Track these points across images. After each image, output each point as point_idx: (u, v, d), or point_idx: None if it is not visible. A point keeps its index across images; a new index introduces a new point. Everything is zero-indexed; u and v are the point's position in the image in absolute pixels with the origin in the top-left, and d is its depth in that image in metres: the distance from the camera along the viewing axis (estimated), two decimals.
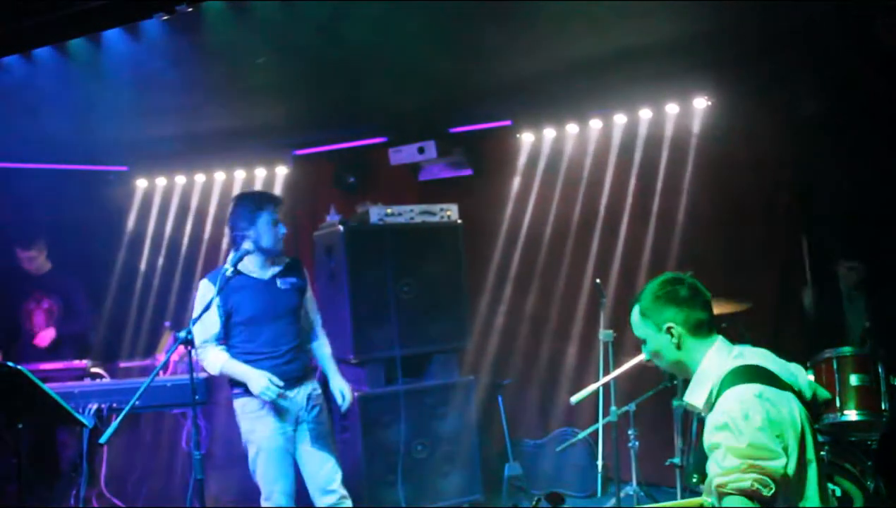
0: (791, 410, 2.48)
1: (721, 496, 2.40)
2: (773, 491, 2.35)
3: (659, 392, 5.07)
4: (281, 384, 4.15)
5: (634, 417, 5.04)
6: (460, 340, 5.81)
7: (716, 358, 2.65)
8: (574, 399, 4.66)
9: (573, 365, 6.41)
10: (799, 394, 2.61)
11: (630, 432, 5.07)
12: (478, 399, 5.93)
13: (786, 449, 2.40)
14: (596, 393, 4.80)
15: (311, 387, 4.40)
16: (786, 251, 5.69)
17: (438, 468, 5.56)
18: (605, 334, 5.09)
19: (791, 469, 2.41)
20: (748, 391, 2.47)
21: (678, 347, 2.69)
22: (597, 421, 5.16)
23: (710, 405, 2.58)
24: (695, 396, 2.68)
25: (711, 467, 2.46)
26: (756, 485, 2.34)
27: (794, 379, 2.67)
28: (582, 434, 5.56)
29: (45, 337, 5.96)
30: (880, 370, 4.34)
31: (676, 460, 4.82)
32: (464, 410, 5.69)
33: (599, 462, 5.80)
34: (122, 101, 5.46)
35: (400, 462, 5.39)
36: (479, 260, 6.56)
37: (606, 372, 4.91)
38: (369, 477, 5.33)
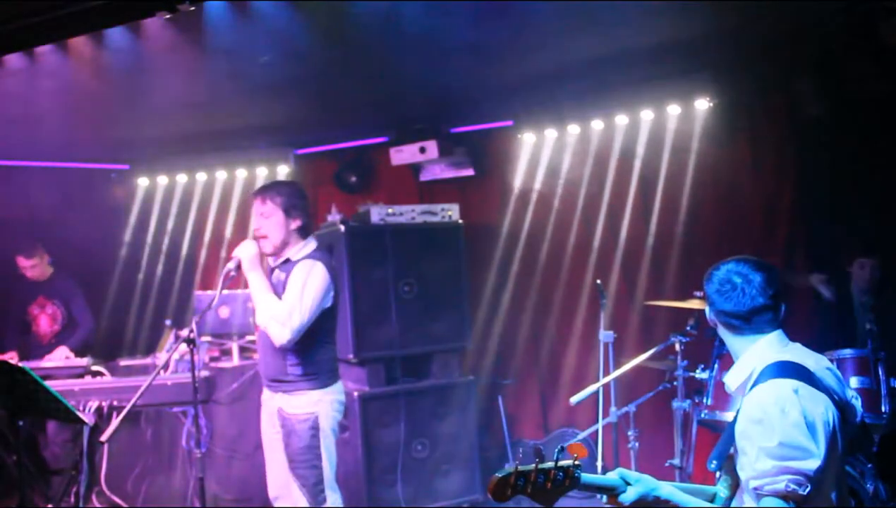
0: (825, 411, 2.47)
1: (759, 496, 2.42)
2: (808, 489, 2.35)
3: (659, 393, 5.07)
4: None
5: (634, 418, 5.04)
6: (461, 340, 5.82)
7: (766, 350, 2.64)
8: (574, 399, 4.66)
9: (573, 365, 6.40)
10: (840, 405, 2.58)
11: (630, 433, 5.07)
12: (478, 399, 5.94)
13: (818, 447, 2.40)
14: (596, 393, 4.79)
15: (285, 399, 4.09)
16: (787, 253, 5.68)
17: (438, 467, 5.57)
18: (605, 334, 5.08)
19: (821, 471, 2.40)
20: (786, 385, 2.46)
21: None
22: (596, 421, 5.14)
23: (745, 390, 2.60)
24: (732, 377, 2.70)
25: (744, 464, 2.47)
26: (791, 486, 2.35)
27: (843, 393, 2.65)
28: (582, 435, 5.57)
29: (59, 354, 5.94)
30: (881, 372, 4.34)
31: (676, 461, 4.82)
32: (464, 410, 5.70)
33: (599, 463, 5.78)
34: (124, 100, 5.46)
35: (400, 462, 5.40)
36: (480, 260, 6.56)
37: (606, 373, 4.91)
38: (369, 477, 5.34)
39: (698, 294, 4.76)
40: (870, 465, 4.26)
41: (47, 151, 6.72)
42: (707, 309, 2.76)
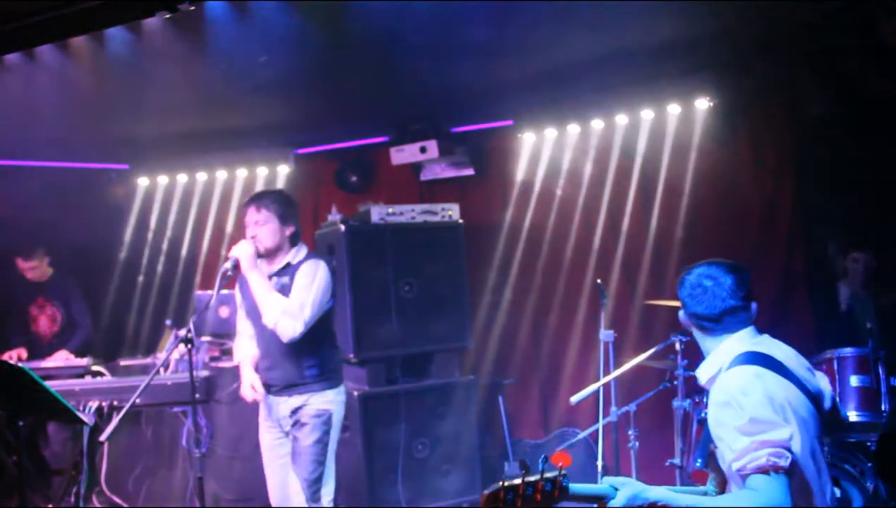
0: (790, 398, 2.54)
1: (743, 477, 2.45)
2: (790, 459, 2.41)
3: (659, 392, 5.07)
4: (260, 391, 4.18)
5: (634, 417, 5.04)
6: (461, 340, 5.81)
7: (735, 344, 2.71)
8: (574, 399, 4.66)
9: (573, 364, 6.40)
10: (813, 398, 2.64)
11: (630, 432, 5.07)
12: (478, 398, 5.94)
13: (787, 422, 2.46)
14: (596, 393, 4.80)
15: (301, 400, 4.18)
16: (787, 251, 5.68)
17: (438, 467, 5.57)
18: (605, 334, 5.08)
19: (796, 446, 2.46)
20: (749, 370, 2.55)
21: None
22: (597, 421, 5.14)
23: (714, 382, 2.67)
24: (703, 371, 2.77)
25: (724, 451, 2.52)
26: (772, 459, 2.39)
27: (814, 383, 2.71)
28: (582, 435, 5.56)
29: (60, 356, 5.94)
30: (881, 371, 4.34)
31: (676, 460, 4.82)
32: (464, 410, 5.69)
33: (599, 463, 5.77)
34: (124, 99, 5.46)
35: (400, 462, 5.40)
36: (480, 259, 6.56)
37: (607, 372, 4.91)
38: (369, 476, 5.34)
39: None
40: (870, 464, 4.27)
41: (47, 151, 6.72)
42: (680, 312, 2.83)
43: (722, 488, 2.71)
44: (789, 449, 2.41)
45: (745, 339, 2.70)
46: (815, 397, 2.65)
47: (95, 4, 3.83)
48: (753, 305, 2.75)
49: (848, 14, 4.63)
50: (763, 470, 2.39)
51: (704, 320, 2.73)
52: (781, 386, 2.54)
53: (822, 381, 2.77)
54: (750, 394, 2.48)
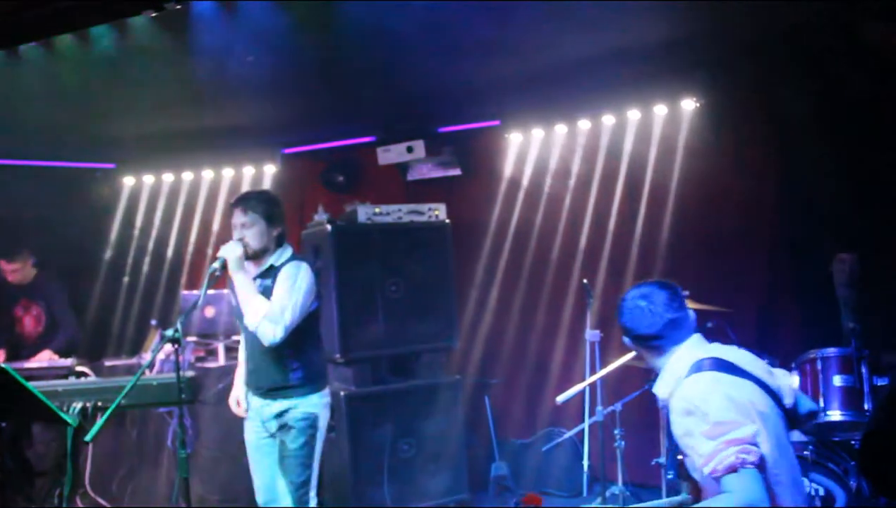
0: (751, 397, 2.59)
1: (717, 479, 2.47)
2: (758, 454, 2.45)
3: (645, 392, 5.08)
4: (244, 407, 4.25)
5: (620, 417, 5.05)
6: (448, 340, 5.81)
7: (686, 353, 2.75)
8: (560, 398, 4.67)
9: (560, 364, 6.42)
10: (773, 394, 2.69)
11: (616, 432, 5.08)
12: (464, 398, 5.93)
13: (750, 420, 2.50)
14: (582, 392, 4.81)
15: (286, 404, 4.13)
16: (773, 251, 5.72)
17: (425, 467, 5.56)
18: (591, 334, 5.10)
19: (763, 441, 2.50)
20: (705, 377, 2.61)
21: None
22: (583, 420, 5.17)
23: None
24: (662, 387, 2.80)
25: (694, 457, 2.56)
26: (741, 456, 2.43)
27: (773, 381, 2.74)
28: (568, 434, 5.58)
29: (44, 356, 5.90)
30: (864, 370, 4.37)
31: (662, 460, 4.84)
32: (450, 410, 5.69)
33: (585, 462, 5.81)
34: (110, 98, 5.44)
35: (386, 462, 5.39)
36: (467, 259, 6.57)
37: (593, 372, 4.92)
38: (356, 477, 5.33)
39: (684, 293, 4.77)
40: (853, 462, 4.30)
41: (31, 150, 6.67)
42: (625, 340, 2.89)
43: (696, 495, 2.74)
44: (756, 445, 2.46)
45: (695, 348, 2.76)
46: (775, 394, 2.70)
47: (81, 3, 3.82)
48: (692, 313, 2.82)
49: (831, 16, 4.67)
50: (733, 469, 2.43)
51: (651, 339, 2.78)
52: (740, 386, 2.59)
53: (782, 379, 2.81)
54: (710, 399, 2.52)
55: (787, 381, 2.82)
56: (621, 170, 6.18)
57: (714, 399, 2.52)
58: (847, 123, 5.15)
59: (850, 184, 5.13)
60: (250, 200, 4.21)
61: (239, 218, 4.16)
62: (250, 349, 4.24)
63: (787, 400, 2.75)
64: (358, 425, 5.38)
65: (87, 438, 3.57)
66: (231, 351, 6.16)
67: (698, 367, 2.65)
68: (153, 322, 6.42)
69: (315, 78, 5.42)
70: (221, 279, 4.30)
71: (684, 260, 5.87)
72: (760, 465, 2.44)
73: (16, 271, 6.11)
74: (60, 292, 6.32)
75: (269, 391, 4.17)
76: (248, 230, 4.14)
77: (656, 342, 2.78)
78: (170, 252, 7.31)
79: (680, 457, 2.71)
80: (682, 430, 2.58)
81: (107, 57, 4.55)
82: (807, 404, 2.90)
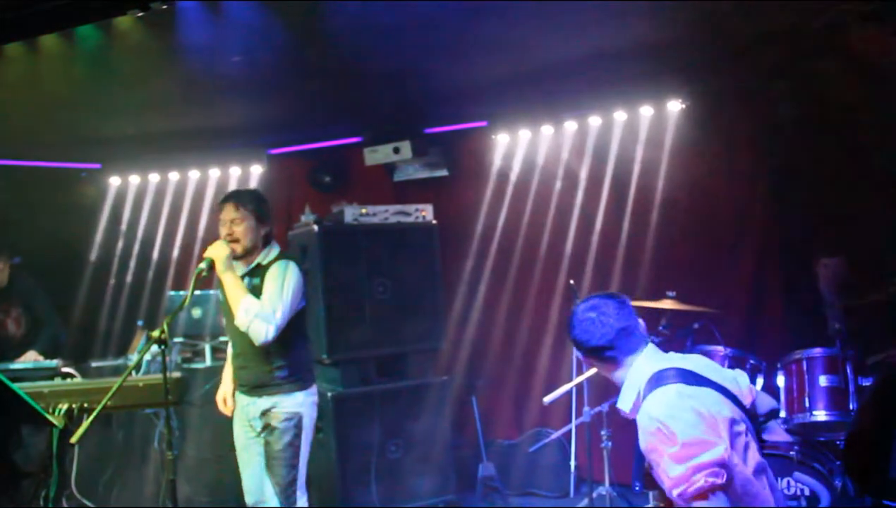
0: (715, 402, 2.56)
1: (686, 501, 2.46)
2: (725, 475, 2.42)
3: None
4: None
5: (607, 417, 5.07)
6: (435, 340, 5.82)
7: (645, 364, 2.74)
8: (547, 399, 4.68)
9: (547, 365, 6.43)
10: (735, 398, 2.67)
11: (603, 432, 5.10)
12: (452, 399, 5.94)
13: (719, 436, 2.47)
14: (569, 393, 4.82)
15: (270, 402, 4.14)
16: (759, 252, 5.75)
17: (412, 468, 5.56)
18: None
19: (732, 456, 2.47)
20: (669, 391, 2.57)
21: None
22: (570, 421, 5.18)
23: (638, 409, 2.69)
24: (625, 402, 2.80)
25: (662, 476, 2.53)
26: (709, 480, 2.40)
27: (731, 384, 2.73)
28: (555, 435, 5.59)
29: (29, 357, 5.84)
30: (849, 371, 4.41)
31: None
32: (438, 410, 5.69)
33: (572, 463, 5.82)
34: (96, 98, 5.41)
35: (374, 463, 5.39)
36: (454, 260, 6.57)
37: (580, 373, 4.93)
38: (343, 477, 5.32)
39: (671, 294, 4.80)
40: (838, 462, 4.33)
41: (15, 149, 6.63)
42: (578, 355, 2.88)
43: (667, 503, 2.73)
44: (725, 464, 2.42)
45: (652, 358, 2.74)
46: (736, 398, 2.68)
47: (67, 2, 3.80)
48: (641, 322, 2.81)
49: (819, 19, 4.69)
50: (702, 494, 2.41)
51: (604, 350, 2.75)
52: (705, 397, 2.55)
53: (740, 377, 2.80)
54: (677, 416, 2.48)
55: (745, 381, 2.81)
56: (608, 171, 6.20)
57: (681, 415, 2.48)
58: (833, 126, 5.18)
59: (837, 188, 5.16)
60: (242, 197, 4.24)
61: (230, 213, 4.17)
62: (237, 345, 4.25)
63: (746, 402, 2.74)
64: (345, 426, 5.37)
65: (74, 440, 3.55)
66: (218, 351, 6.14)
67: (659, 379, 2.62)
68: (140, 322, 6.39)
69: (302, 78, 5.41)
70: (208, 279, 4.31)
71: (670, 261, 5.90)
72: (728, 482, 2.42)
73: None
74: (38, 290, 6.25)
75: (255, 388, 4.17)
76: (239, 226, 4.15)
77: (609, 352, 2.75)
78: (156, 252, 7.27)
79: (647, 466, 2.70)
80: (649, 447, 2.55)
81: (92, 57, 4.53)
82: (766, 402, 2.88)
